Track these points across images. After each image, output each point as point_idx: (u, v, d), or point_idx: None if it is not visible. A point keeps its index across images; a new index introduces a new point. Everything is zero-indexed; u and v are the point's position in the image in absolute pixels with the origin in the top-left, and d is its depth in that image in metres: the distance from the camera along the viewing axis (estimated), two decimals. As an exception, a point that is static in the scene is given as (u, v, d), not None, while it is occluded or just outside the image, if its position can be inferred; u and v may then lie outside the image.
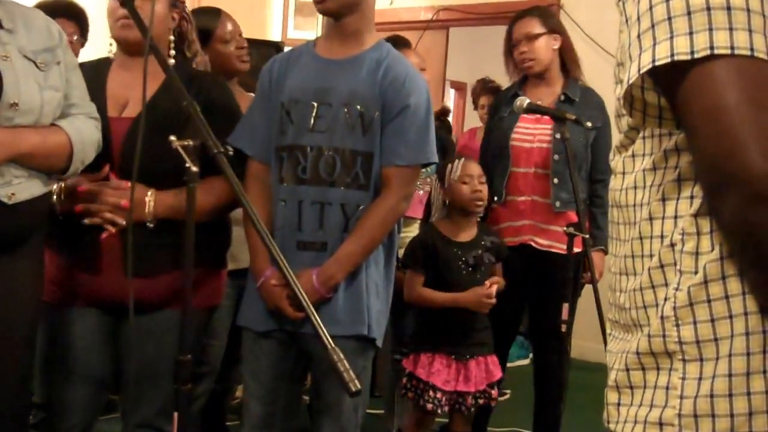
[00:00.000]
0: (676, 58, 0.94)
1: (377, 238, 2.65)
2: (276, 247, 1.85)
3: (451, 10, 6.08)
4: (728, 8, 0.93)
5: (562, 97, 3.71)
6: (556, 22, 3.91)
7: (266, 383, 2.73)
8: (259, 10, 6.80)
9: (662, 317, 1.05)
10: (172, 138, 2.00)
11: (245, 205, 1.88)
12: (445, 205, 3.43)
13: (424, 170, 3.62)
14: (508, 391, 5.11)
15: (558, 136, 3.54)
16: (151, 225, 2.51)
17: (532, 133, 3.70)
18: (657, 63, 0.96)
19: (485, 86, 5.49)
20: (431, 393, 3.29)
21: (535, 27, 3.74)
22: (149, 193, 2.51)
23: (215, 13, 3.51)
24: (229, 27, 3.49)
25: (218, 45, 3.44)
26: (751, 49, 0.92)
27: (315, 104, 2.65)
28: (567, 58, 3.79)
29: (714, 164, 0.94)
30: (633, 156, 1.13)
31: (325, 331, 1.70)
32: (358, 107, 2.63)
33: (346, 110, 2.63)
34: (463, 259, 3.35)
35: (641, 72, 0.98)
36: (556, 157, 3.63)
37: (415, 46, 5.90)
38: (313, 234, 2.63)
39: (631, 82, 1.00)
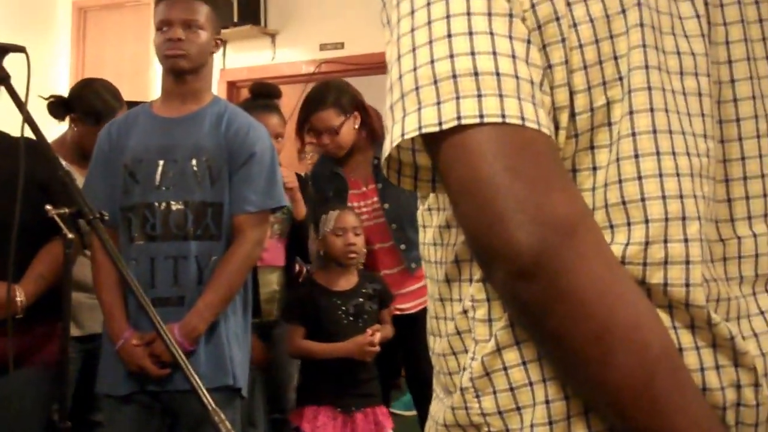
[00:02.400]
0: (424, 130, 0.87)
1: (235, 287, 2.70)
2: (150, 305, 1.91)
3: (333, 63, 6.18)
4: (475, 74, 0.87)
5: (375, 161, 3.58)
6: (351, 97, 3.66)
7: None
8: (142, 74, 6.83)
9: (462, 389, 0.97)
10: (48, 207, 2.05)
11: (121, 269, 1.95)
12: (320, 254, 3.39)
13: (285, 217, 3.61)
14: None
15: (387, 206, 3.54)
16: (21, 316, 2.53)
17: (364, 212, 3.59)
18: (406, 136, 0.89)
19: None
20: None
21: (334, 119, 3.56)
22: (18, 292, 2.54)
23: (120, 98, 3.46)
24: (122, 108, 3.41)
25: None
26: (503, 116, 0.86)
27: (160, 161, 2.70)
28: (369, 129, 3.65)
29: (475, 240, 0.88)
30: (429, 209, 1.07)
31: (204, 391, 1.72)
32: (205, 159, 2.70)
33: (193, 163, 2.69)
34: (343, 308, 3.30)
35: (393, 145, 0.91)
36: (393, 226, 3.55)
37: (299, 98, 5.99)
38: (168, 289, 2.65)
39: (385, 156, 0.94)
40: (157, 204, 2.69)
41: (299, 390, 3.40)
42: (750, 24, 1.01)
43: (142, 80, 6.82)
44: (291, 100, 5.90)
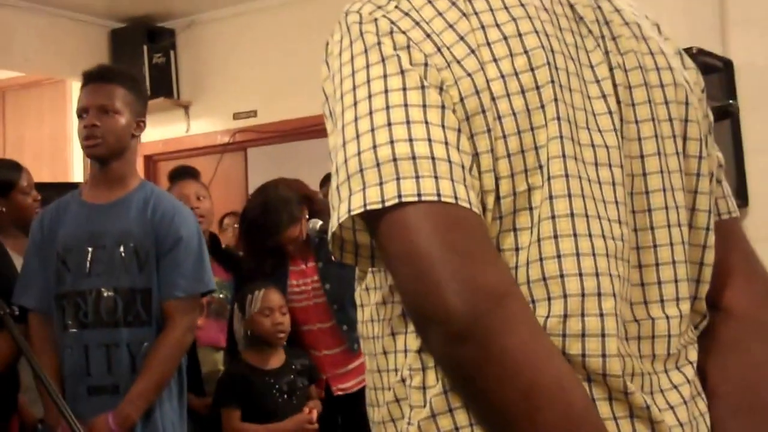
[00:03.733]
0: (368, 207, 0.96)
1: (167, 374, 2.72)
2: (60, 397, 1.94)
3: (247, 132, 6.22)
4: (413, 158, 0.96)
5: (317, 239, 3.57)
6: (297, 199, 3.59)
7: None
8: (61, 153, 6.79)
9: None
10: None
11: (33, 363, 1.98)
12: (248, 335, 3.39)
13: (223, 296, 3.66)
14: None
15: (328, 286, 3.52)
16: None
17: (303, 290, 3.58)
18: (352, 213, 0.98)
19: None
20: None
21: (297, 232, 3.55)
22: None
23: (17, 166, 3.61)
24: (27, 180, 3.58)
25: (19, 197, 3.51)
26: (438, 195, 0.95)
27: (89, 248, 2.73)
28: (312, 209, 3.65)
29: (413, 305, 0.97)
30: (367, 289, 1.14)
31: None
32: (132, 245, 2.72)
33: (121, 249, 2.72)
34: (277, 386, 3.30)
35: (340, 221, 1.00)
36: (335, 307, 3.52)
37: (215, 169, 6.00)
38: (103, 378, 2.68)
39: (332, 231, 1.02)
40: (87, 291, 2.71)
41: None
42: (661, 122, 1.11)
43: (62, 159, 6.77)
44: (207, 171, 5.92)
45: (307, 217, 3.56)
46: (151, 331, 2.73)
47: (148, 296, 2.73)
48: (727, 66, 4.06)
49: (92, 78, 2.84)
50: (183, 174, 4.00)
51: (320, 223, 3.30)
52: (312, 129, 5.80)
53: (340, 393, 3.55)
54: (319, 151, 6.06)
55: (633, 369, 1.01)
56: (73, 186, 5.22)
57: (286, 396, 3.31)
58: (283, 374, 3.34)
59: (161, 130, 6.38)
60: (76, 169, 6.80)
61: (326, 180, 5.32)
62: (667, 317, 1.07)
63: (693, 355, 1.10)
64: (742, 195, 3.83)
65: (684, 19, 3.98)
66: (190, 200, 3.66)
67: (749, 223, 3.57)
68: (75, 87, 6.89)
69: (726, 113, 3.80)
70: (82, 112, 2.79)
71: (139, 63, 6.09)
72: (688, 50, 1.20)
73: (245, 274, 3.65)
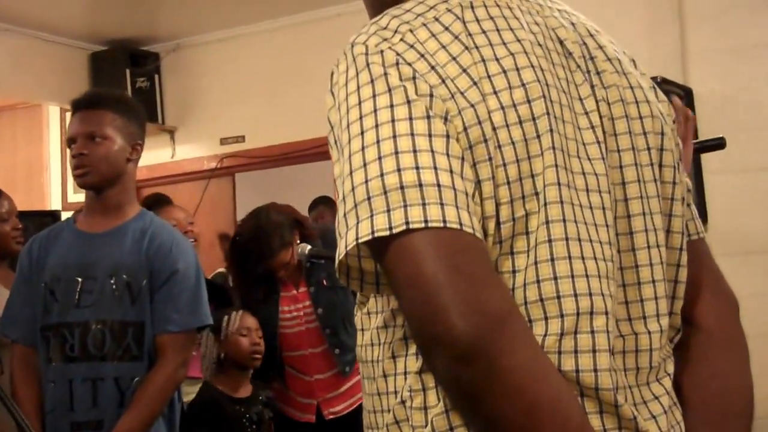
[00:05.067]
0: (376, 234, 0.99)
1: (156, 410, 2.62)
2: (25, 421, 1.89)
3: (235, 157, 6.16)
4: (420, 185, 1.00)
5: (308, 264, 3.51)
6: (288, 224, 3.56)
7: None
8: (37, 179, 6.73)
9: None
10: None
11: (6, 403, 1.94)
12: (219, 360, 3.35)
13: None
14: None
15: (320, 311, 3.51)
16: None
17: (296, 316, 3.55)
18: (360, 240, 1.00)
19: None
20: None
21: (287, 256, 3.51)
22: None
23: None
24: (6, 207, 3.47)
25: None
26: (444, 221, 0.99)
27: (79, 279, 2.64)
28: (303, 234, 3.62)
29: (420, 328, 0.99)
30: (369, 313, 1.17)
31: None
32: (125, 277, 2.63)
33: (112, 281, 2.63)
34: (247, 416, 3.28)
35: (348, 248, 1.02)
36: (327, 331, 3.51)
37: (203, 194, 5.99)
38: (87, 413, 2.59)
39: (340, 258, 1.05)
40: (75, 324, 2.62)
41: None
42: (639, 151, 1.20)
43: (37, 186, 6.70)
44: (194, 197, 5.88)
45: (299, 241, 3.52)
46: (143, 366, 2.65)
47: (140, 330, 2.65)
48: (687, 94, 4.28)
49: (79, 105, 2.78)
50: (162, 201, 3.95)
51: (309, 247, 3.26)
52: (301, 154, 5.85)
53: (331, 416, 3.53)
54: (307, 176, 6.12)
55: (618, 382, 1.08)
56: (50, 214, 5.14)
57: (255, 426, 3.28)
58: (253, 404, 3.33)
59: (146, 156, 6.16)
60: (53, 196, 6.75)
61: (315, 205, 5.50)
62: (649, 332, 1.15)
63: (670, 367, 1.19)
64: (702, 214, 4.09)
65: (647, 49, 4.32)
66: (182, 225, 3.62)
67: (710, 240, 3.84)
68: (52, 112, 6.88)
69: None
70: (70, 142, 2.72)
71: (122, 87, 5.97)
72: (653, 79, 1.38)
73: (236, 301, 3.61)
